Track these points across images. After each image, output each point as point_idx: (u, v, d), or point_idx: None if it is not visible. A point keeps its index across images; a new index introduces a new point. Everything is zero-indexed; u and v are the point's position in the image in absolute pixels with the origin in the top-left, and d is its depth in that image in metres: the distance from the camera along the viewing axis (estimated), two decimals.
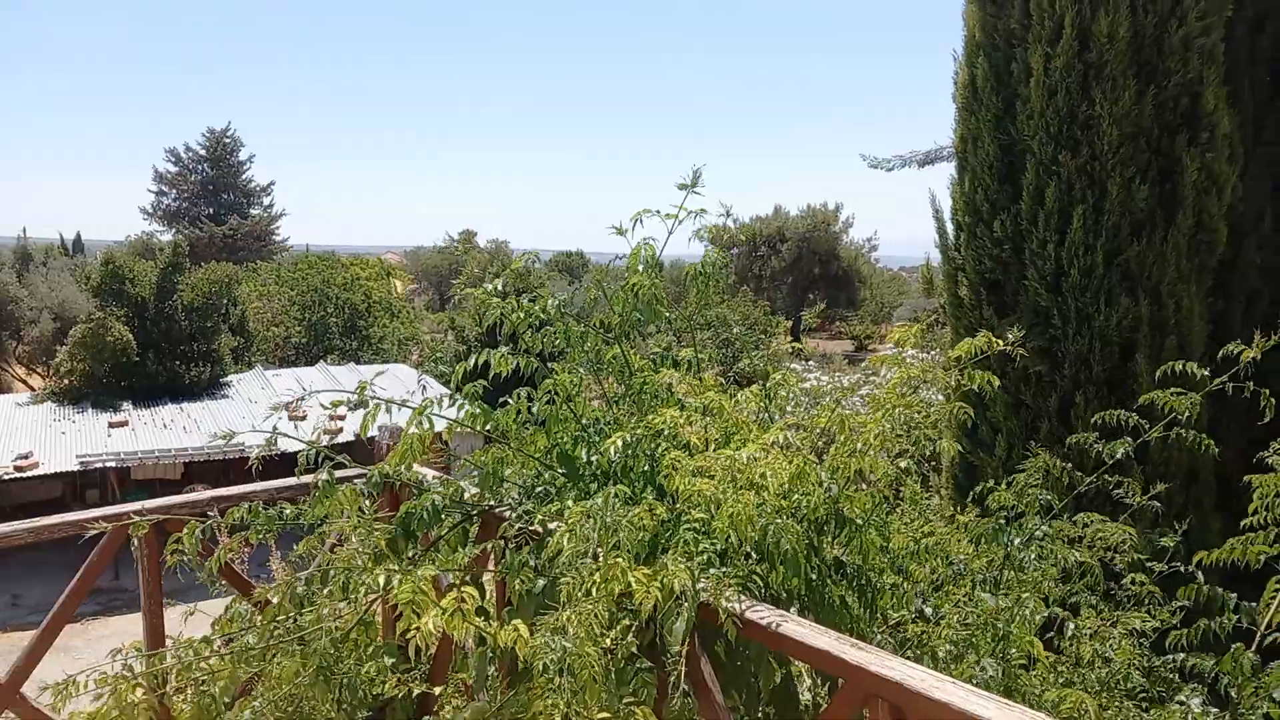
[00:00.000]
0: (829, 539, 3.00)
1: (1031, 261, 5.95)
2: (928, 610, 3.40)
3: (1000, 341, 3.09)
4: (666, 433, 2.67)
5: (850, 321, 34.07)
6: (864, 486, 3.67)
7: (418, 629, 2.02)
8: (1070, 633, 3.30)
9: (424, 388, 2.83)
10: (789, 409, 3.53)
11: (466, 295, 3.05)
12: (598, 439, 2.79)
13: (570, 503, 2.39)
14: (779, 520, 2.34)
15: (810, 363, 17.49)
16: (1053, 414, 6.03)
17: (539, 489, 2.86)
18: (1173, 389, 3.64)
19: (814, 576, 2.69)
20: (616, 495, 2.26)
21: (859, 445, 2.68)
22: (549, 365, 3.05)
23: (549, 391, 2.91)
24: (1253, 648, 2.92)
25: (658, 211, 2.86)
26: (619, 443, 2.58)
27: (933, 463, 9.45)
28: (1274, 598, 3.16)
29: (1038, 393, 6.09)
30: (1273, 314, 6.35)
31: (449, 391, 2.90)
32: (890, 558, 3.80)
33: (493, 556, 2.67)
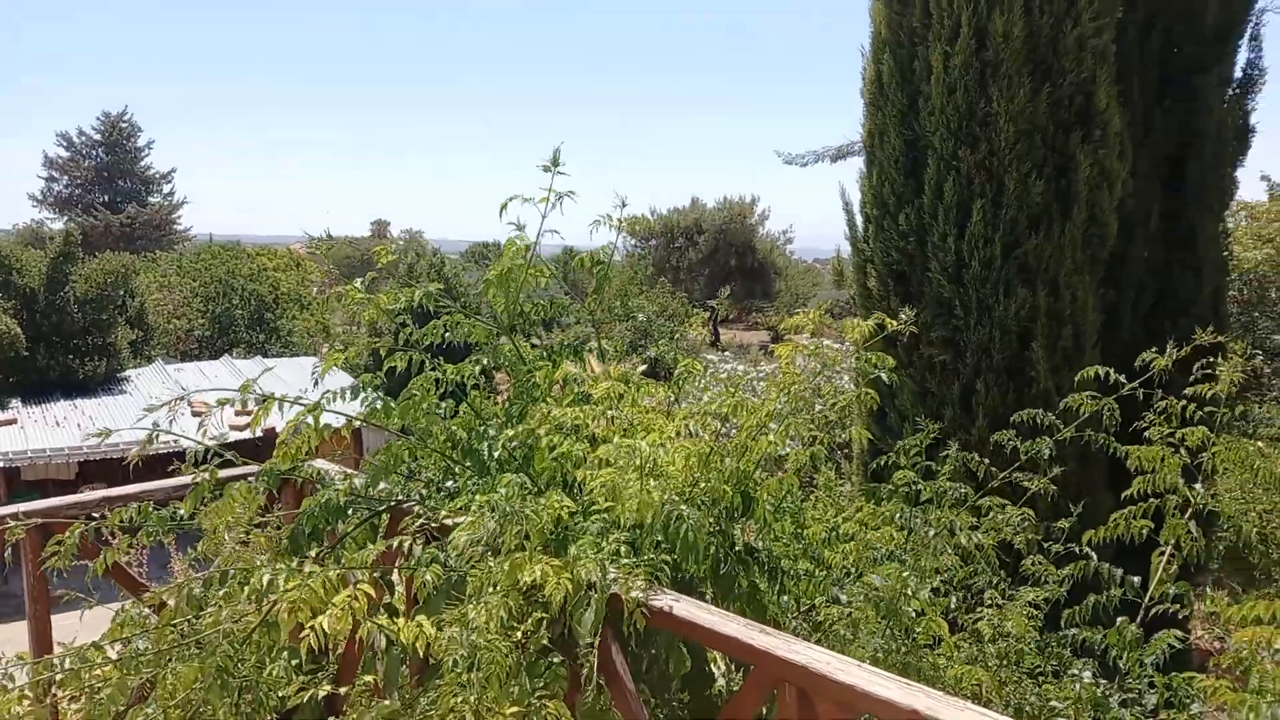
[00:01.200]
0: (740, 525, 3.04)
1: (934, 254, 6.12)
2: (842, 596, 3.47)
3: (893, 323, 3.16)
4: (568, 425, 2.65)
5: (767, 313, 34.60)
6: (781, 474, 3.72)
7: (311, 628, 1.97)
8: (977, 612, 3.42)
9: (315, 381, 2.74)
10: (704, 398, 3.56)
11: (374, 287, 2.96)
12: (494, 433, 2.76)
13: (477, 496, 2.36)
14: (681, 508, 2.34)
15: (727, 353, 17.69)
16: (956, 401, 6.23)
17: (448, 483, 2.82)
18: (1088, 393, 3.74)
19: (723, 563, 2.72)
20: (518, 486, 2.23)
21: (756, 425, 2.70)
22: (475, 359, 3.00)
23: (431, 383, 2.84)
24: (1137, 620, 3.07)
25: (521, 198, 2.83)
26: (517, 434, 2.55)
27: (845, 450, 9.67)
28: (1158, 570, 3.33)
29: (942, 381, 6.28)
30: (1157, 306, 6.71)
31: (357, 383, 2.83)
32: (804, 544, 3.87)
33: (402, 552, 2.62)
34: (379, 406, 2.68)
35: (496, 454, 2.79)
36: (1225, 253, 7.58)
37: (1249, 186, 15.05)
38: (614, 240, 3.16)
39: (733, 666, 3.22)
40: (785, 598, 3.51)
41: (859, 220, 6.84)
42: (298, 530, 2.61)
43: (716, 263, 34.25)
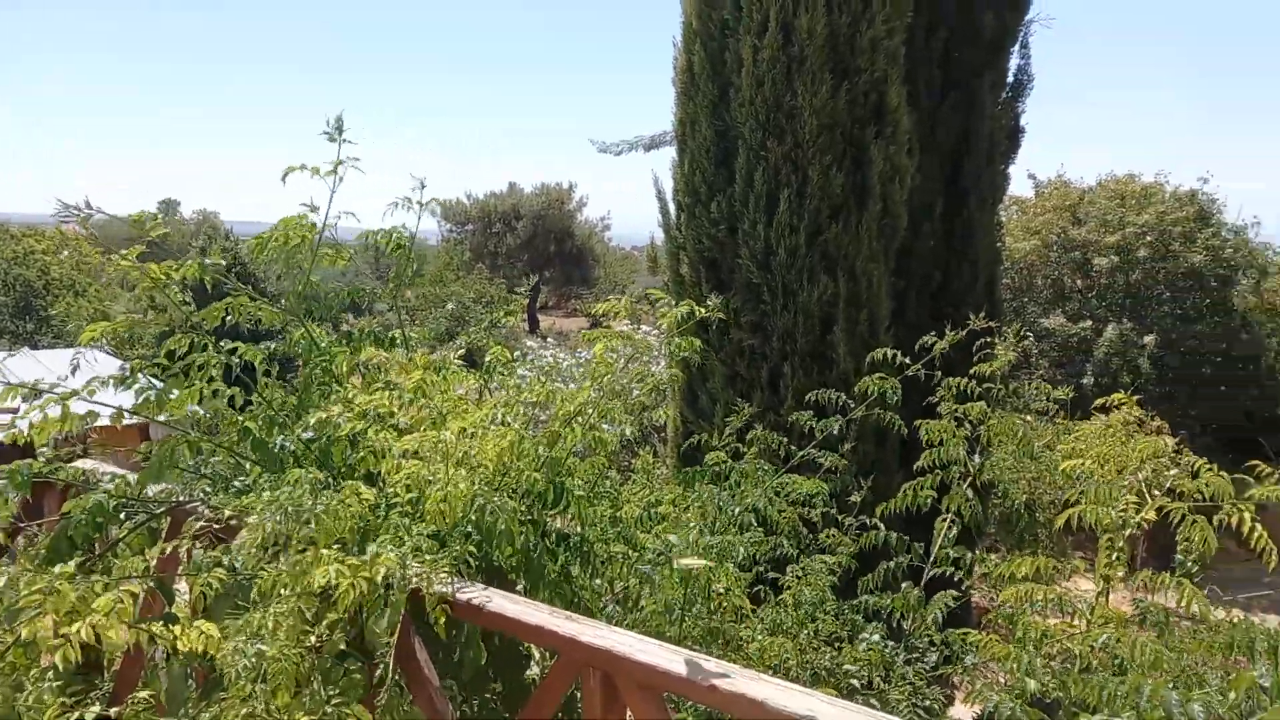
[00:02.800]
0: (551, 512, 3.02)
1: (744, 241, 6.33)
2: (656, 577, 3.53)
3: (701, 309, 3.23)
4: (372, 414, 2.54)
5: (586, 299, 34.81)
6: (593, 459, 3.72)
7: (66, 639, 1.77)
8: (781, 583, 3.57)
9: (75, 367, 2.47)
10: (520, 385, 3.51)
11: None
12: (290, 424, 2.60)
13: (266, 493, 2.21)
14: (492, 498, 2.29)
15: (547, 340, 17.64)
16: (764, 384, 6.48)
17: (238, 480, 2.63)
18: (877, 374, 3.95)
19: (533, 551, 2.69)
20: (309, 482, 2.11)
21: (569, 412, 2.69)
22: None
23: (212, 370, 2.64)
24: (922, 584, 3.30)
25: (304, 167, 2.68)
26: (312, 425, 2.42)
27: (662, 434, 9.88)
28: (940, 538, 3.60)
29: (750, 364, 6.51)
30: (940, 293, 7.25)
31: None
32: (620, 527, 3.91)
33: (180, 558, 2.42)
34: (153, 397, 2.45)
35: (291, 447, 2.63)
36: (999, 244, 8.30)
37: (1020, 183, 16.58)
38: (412, 223, 3.02)
39: (548, 655, 3.21)
40: (599, 581, 3.53)
41: (672, 208, 6.97)
42: (58, 538, 2.36)
43: (535, 249, 34.07)
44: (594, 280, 35.01)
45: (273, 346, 2.82)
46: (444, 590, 2.08)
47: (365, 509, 2.21)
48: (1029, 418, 10.27)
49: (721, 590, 3.15)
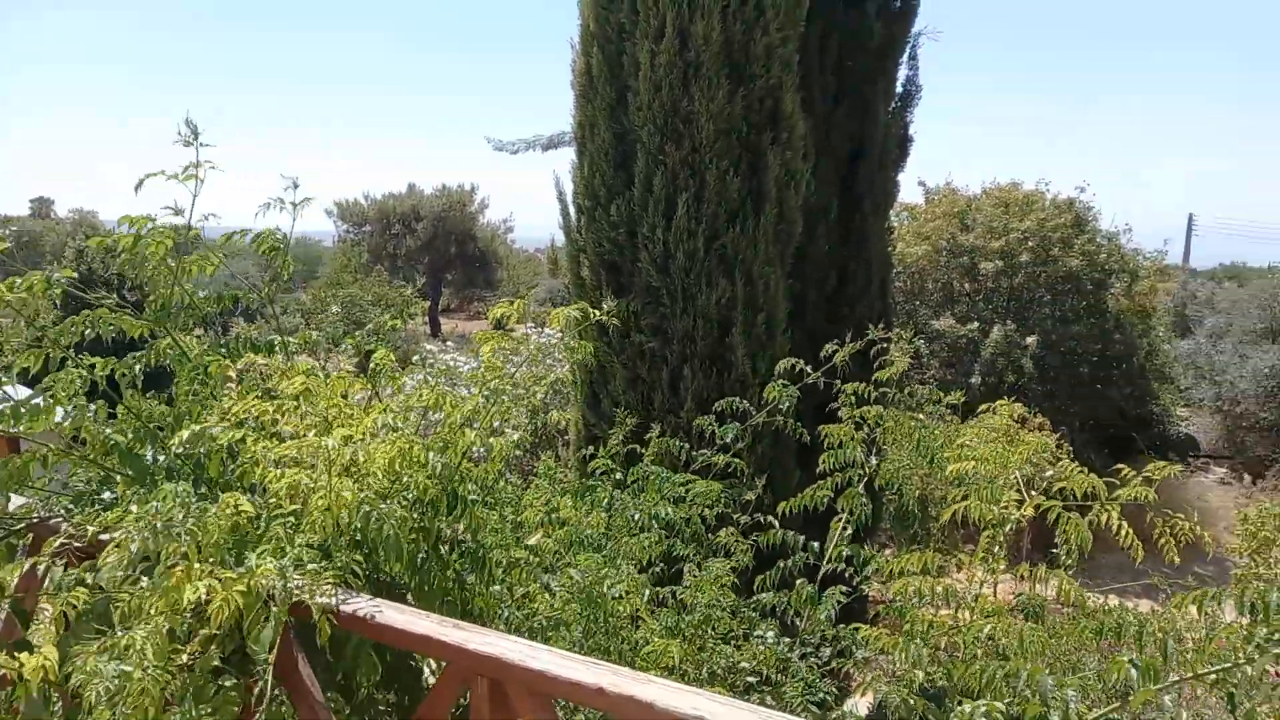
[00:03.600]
0: (445, 519, 2.96)
1: (644, 245, 6.35)
2: (553, 583, 3.50)
3: (596, 311, 3.23)
4: (252, 423, 2.44)
5: (489, 301, 34.42)
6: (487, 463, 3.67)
7: None
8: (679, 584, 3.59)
9: None
10: (410, 389, 3.43)
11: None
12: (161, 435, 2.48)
13: (134, 507, 2.09)
14: (380, 505, 2.23)
15: (448, 343, 17.36)
16: (665, 386, 6.51)
17: (105, 494, 2.48)
18: (781, 382, 4.02)
19: (426, 560, 2.63)
20: (177, 495, 2.00)
21: (463, 417, 2.64)
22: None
23: (74, 381, 2.50)
24: (818, 580, 3.37)
25: (164, 173, 2.57)
26: (185, 436, 2.30)
27: (565, 437, 9.84)
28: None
29: (651, 367, 6.54)
30: (836, 295, 7.44)
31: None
32: (519, 533, 3.86)
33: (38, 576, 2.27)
34: (7, 411, 2.29)
35: (164, 460, 2.50)
36: (891, 248, 8.56)
37: (911, 190, 17.18)
38: (303, 223, 2.92)
39: (442, 664, 3.14)
40: (497, 587, 3.48)
41: (572, 211, 6.94)
42: None
43: (436, 250, 33.49)
44: (497, 282, 34.63)
45: (140, 356, 2.67)
46: (327, 602, 2.01)
47: (243, 521, 2.12)
48: (922, 417, 10.63)
49: (618, 595, 3.14)
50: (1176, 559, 2.86)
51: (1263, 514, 10.41)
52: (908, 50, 7.85)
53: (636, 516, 3.39)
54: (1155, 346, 15.84)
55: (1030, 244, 14.82)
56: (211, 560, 2.02)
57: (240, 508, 2.09)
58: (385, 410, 2.60)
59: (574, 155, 6.85)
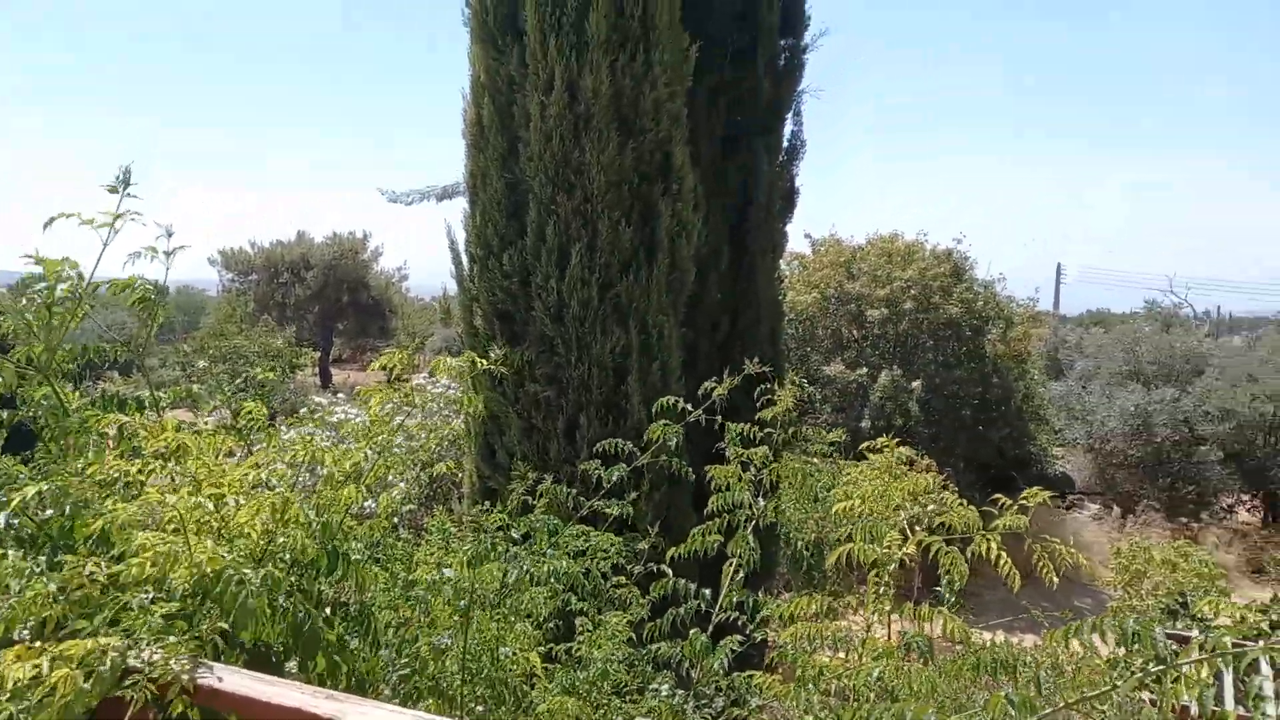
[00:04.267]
0: (325, 580, 2.84)
1: (538, 294, 6.34)
2: (445, 643, 3.38)
3: (483, 361, 3.19)
4: (115, 482, 2.29)
5: (383, 351, 33.65)
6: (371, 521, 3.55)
7: None
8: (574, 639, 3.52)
9: None
10: (285, 445, 3.29)
11: None
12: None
13: None
14: (244, 570, 2.11)
15: (339, 395, 16.85)
16: (560, 435, 6.47)
17: None
18: (664, 422, 4.06)
19: (304, 624, 2.50)
20: (13, 563, 1.85)
21: (345, 473, 2.55)
22: None
23: None
24: (710, 629, 3.35)
25: (84, 218, 2.45)
26: (31, 497, 2.14)
27: (460, 490, 9.63)
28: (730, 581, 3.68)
29: (547, 416, 6.48)
30: (728, 342, 7.57)
31: None
32: (408, 591, 3.72)
33: None
34: None
35: (15, 523, 2.31)
36: (781, 296, 8.79)
37: (799, 241, 17.75)
38: (157, 273, 2.79)
39: None
40: (385, 651, 3.34)
41: (464, 260, 6.88)
42: None
43: (327, 299, 32.62)
44: (392, 331, 33.88)
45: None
46: (184, 676, 1.87)
47: (94, 589, 1.97)
48: (816, 460, 10.87)
49: (511, 653, 3.06)
50: (1055, 579, 2.97)
51: (1134, 549, 11.01)
52: (793, 107, 8.15)
53: (532, 572, 3.31)
54: (1031, 389, 16.65)
55: (913, 292, 15.45)
56: (44, 634, 1.86)
57: (93, 575, 1.94)
58: (258, 467, 2.48)
59: (466, 204, 6.82)
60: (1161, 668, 2.07)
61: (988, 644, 3.39)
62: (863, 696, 2.76)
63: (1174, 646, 2.18)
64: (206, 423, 2.69)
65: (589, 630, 3.39)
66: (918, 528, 3.09)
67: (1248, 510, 17.82)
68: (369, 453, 3.01)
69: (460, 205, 7.04)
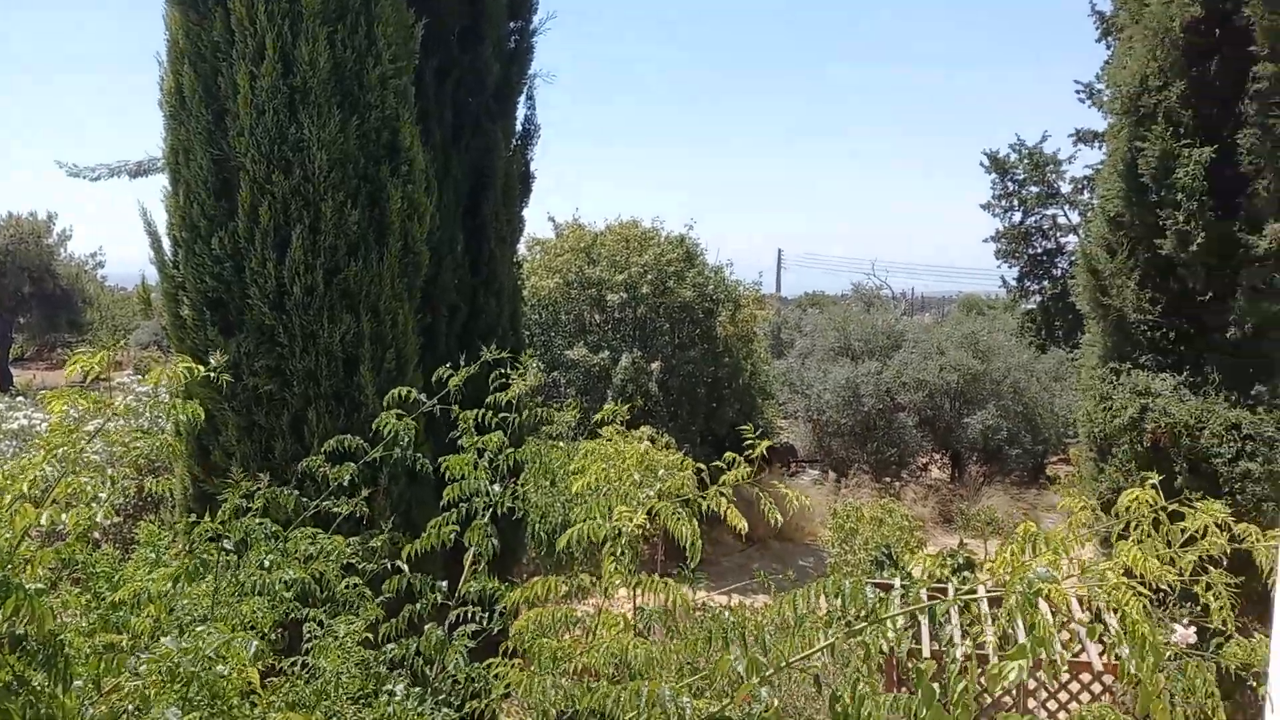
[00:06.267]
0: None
1: (253, 280, 5.85)
2: (141, 668, 3.06)
3: (201, 368, 2.89)
4: None
5: (77, 347, 29.84)
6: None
7: None
8: (305, 648, 3.29)
9: None
10: None
11: None
12: None
13: None
14: None
15: (21, 399, 14.75)
16: (286, 432, 6.04)
17: None
18: (395, 411, 3.90)
19: None
20: None
21: (12, 496, 2.20)
22: None
23: None
24: (447, 623, 3.26)
25: None
26: None
27: (172, 498, 8.76)
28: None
29: (270, 412, 6.03)
30: (468, 327, 7.42)
31: None
32: (107, 613, 3.37)
33: None
34: None
35: None
36: (520, 280, 8.76)
37: (541, 225, 17.79)
38: None
39: None
40: (79, 683, 2.97)
41: (167, 243, 6.21)
42: None
43: (4, 289, 28.47)
44: (86, 325, 30.11)
45: None
46: None
47: None
48: (561, 443, 10.97)
49: (226, 672, 2.80)
50: (780, 518, 3.19)
51: (847, 509, 12.14)
52: (525, 90, 8.11)
53: (246, 582, 3.05)
54: (757, 367, 17.82)
55: (649, 277, 15.99)
56: None
57: None
58: None
59: (167, 182, 6.15)
60: (865, 623, 2.26)
61: (723, 608, 3.56)
62: (602, 674, 2.80)
63: (881, 594, 2.39)
64: None
65: (316, 639, 3.18)
66: (650, 493, 3.17)
67: (938, 469, 20.24)
68: (47, 469, 2.66)
69: (159, 183, 6.34)
